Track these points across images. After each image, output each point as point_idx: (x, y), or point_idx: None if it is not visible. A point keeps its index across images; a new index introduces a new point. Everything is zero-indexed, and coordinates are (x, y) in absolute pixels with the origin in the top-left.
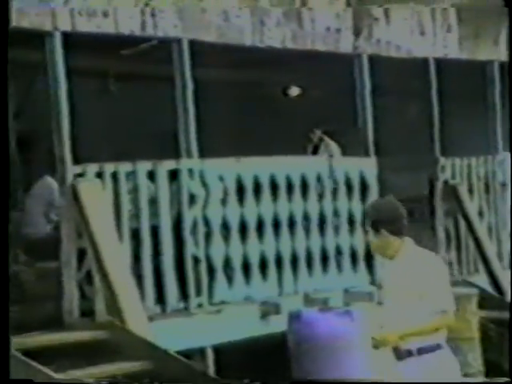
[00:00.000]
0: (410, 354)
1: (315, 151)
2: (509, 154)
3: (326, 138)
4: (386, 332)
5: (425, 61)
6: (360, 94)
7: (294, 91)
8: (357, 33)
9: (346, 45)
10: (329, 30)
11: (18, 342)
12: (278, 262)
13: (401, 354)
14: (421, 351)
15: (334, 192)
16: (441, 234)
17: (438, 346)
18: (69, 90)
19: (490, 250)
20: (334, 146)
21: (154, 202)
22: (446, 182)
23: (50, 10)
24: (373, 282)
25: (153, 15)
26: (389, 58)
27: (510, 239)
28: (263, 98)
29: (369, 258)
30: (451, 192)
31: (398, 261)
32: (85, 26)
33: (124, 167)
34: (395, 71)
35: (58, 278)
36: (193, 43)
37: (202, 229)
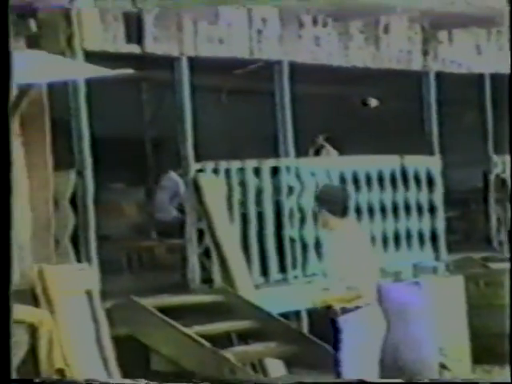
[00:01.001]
0: (336, 313)
1: (317, 154)
2: None
3: (327, 145)
4: (320, 297)
5: (481, 76)
6: (427, 104)
7: (373, 102)
8: (425, 53)
9: (416, 64)
10: (402, 51)
11: (153, 301)
12: None
13: (329, 313)
14: (344, 311)
15: (406, 185)
16: (493, 219)
17: (356, 308)
18: (191, 103)
19: None
20: (333, 152)
21: (258, 192)
22: (497, 176)
23: (177, 39)
24: (437, 258)
25: (259, 41)
26: (451, 74)
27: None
28: (348, 108)
29: (434, 238)
30: (502, 184)
31: (333, 236)
32: (205, 51)
33: (235, 164)
34: (457, 84)
35: (183, 252)
36: (291, 64)
37: (297, 215)
